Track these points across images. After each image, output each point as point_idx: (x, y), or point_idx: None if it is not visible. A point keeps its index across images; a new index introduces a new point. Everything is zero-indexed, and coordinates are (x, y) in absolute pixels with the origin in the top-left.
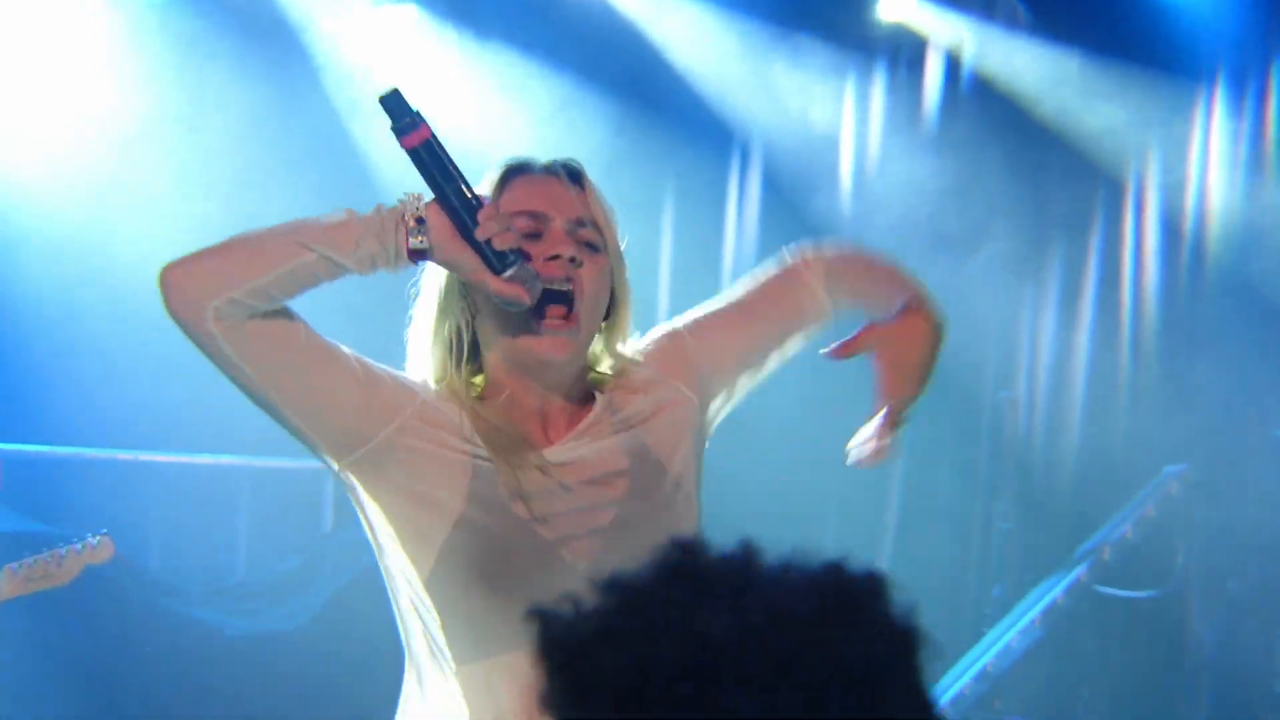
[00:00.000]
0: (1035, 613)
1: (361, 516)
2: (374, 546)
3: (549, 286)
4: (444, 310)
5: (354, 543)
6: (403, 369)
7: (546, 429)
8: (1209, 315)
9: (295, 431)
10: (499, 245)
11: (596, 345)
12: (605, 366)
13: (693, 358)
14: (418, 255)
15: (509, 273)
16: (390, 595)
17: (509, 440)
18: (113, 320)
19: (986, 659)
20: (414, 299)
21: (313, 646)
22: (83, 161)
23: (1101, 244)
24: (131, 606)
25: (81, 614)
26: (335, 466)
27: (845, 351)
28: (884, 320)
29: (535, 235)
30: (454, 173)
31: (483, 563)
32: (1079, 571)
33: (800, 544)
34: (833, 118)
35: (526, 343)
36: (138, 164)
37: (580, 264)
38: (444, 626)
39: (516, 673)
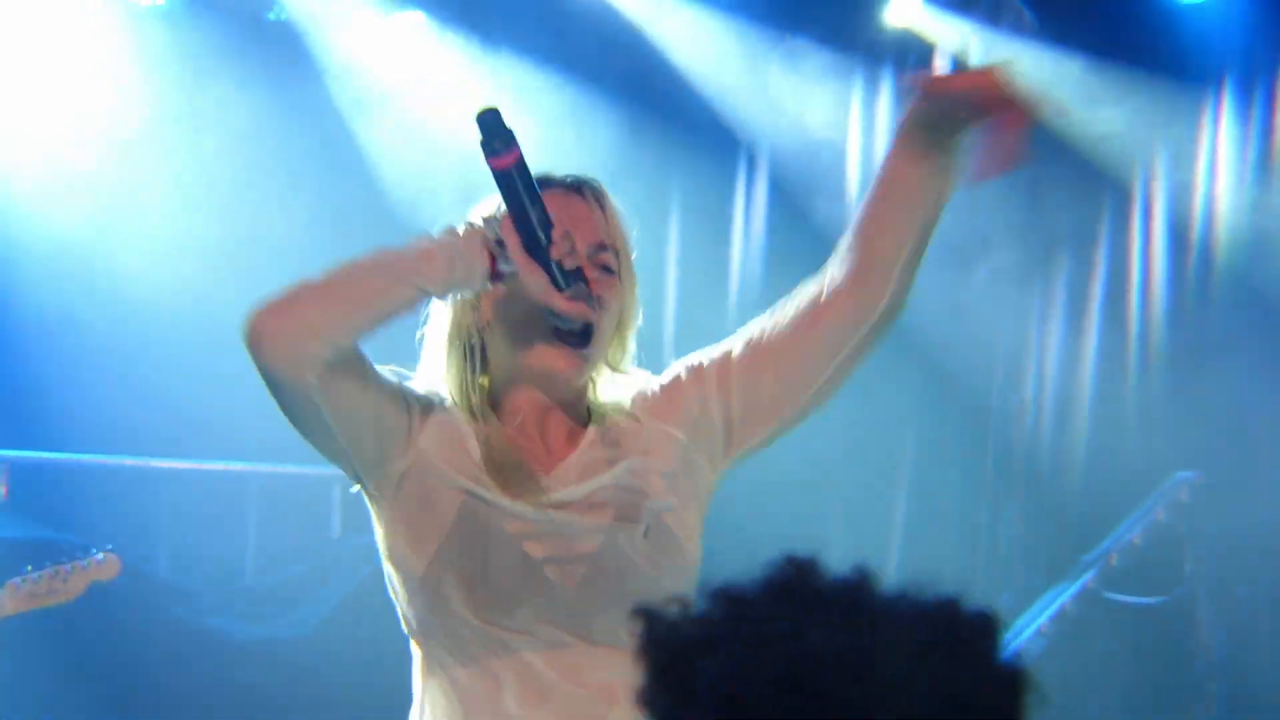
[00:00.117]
0: (1044, 619)
1: (375, 524)
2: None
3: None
4: (458, 318)
5: (363, 548)
6: (394, 364)
7: (545, 439)
8: (1217, 321)
9: (335, 454)
10: (567, 265)
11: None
12: (605, 384)
13: (707, 392)
14: (498, 277)
15: (570, 291)
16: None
17: (515, 467)
18: (121, 326)
19: None
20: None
21: (322, 652)
22: (86, 168)
23: (1108, 250)
24: (140, 612)
25: (90, 620)
26: (365, 483)
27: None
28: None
29: None
30: (539, 194)
31: (469, 579)
32: (1087, 578)
33: (859, 558)
34: (839, 124)
35: (541, 357)
36: (142, 170)
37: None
38: (431, 638)
39: (505, 685)
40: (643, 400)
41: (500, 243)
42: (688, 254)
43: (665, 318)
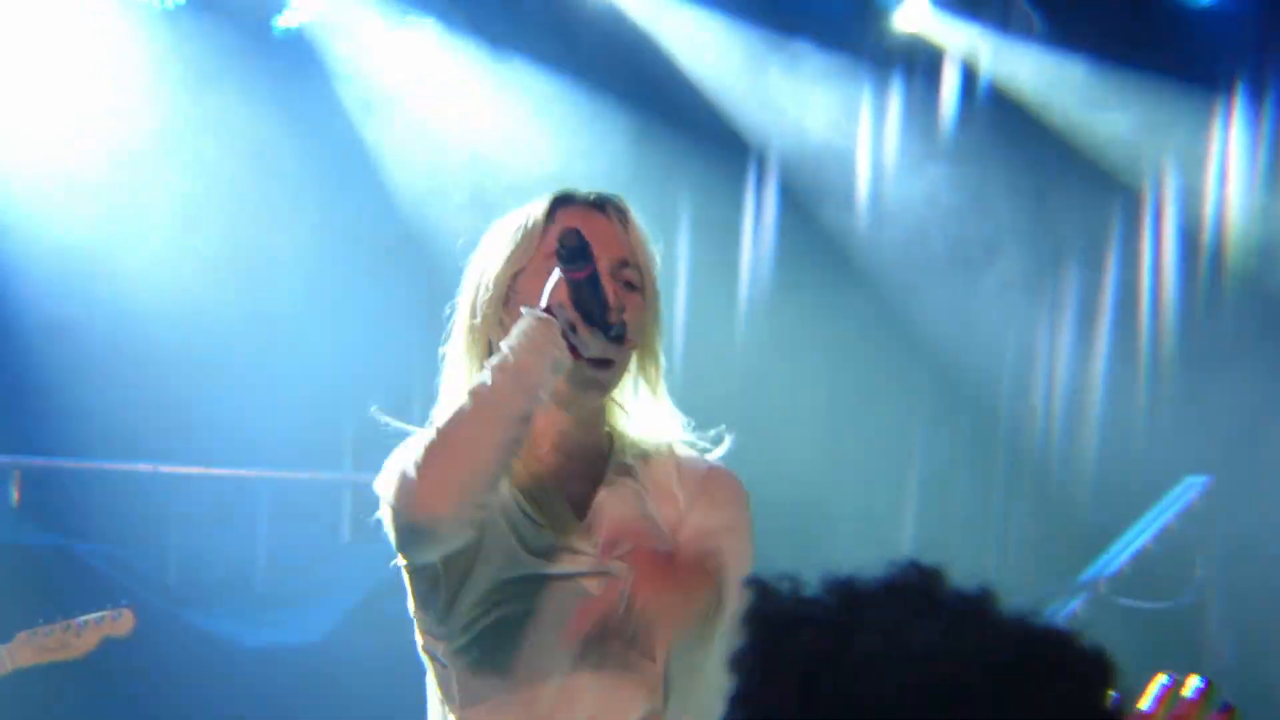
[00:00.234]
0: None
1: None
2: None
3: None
4: (481, 334)
5: (373, 554)
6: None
7: (568, 460)
8: (1228, 325)
9: (430, 581)
10: (614, 320)
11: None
12: (636, 413)
13: (696, 495)
14: (576, 354)
15: (613, 333)
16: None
17: (548, 501)
18: (133, 331)
19: None
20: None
21: (332, 658)
22: (93, 174)
23: (1119, 255)
24: (149, 617)
25: None
26: (442, 590)
27: None
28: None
29: None
30: (600, 284)
31: (495, 610)
32: (1099, 582)
33: (815, 549)
34: (848, 129)
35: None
36: (150, 178)
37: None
38: (448, 667)
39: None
40: (691, 477)
41: (572, 326)
42: (697, 260)
43: (674, 324)
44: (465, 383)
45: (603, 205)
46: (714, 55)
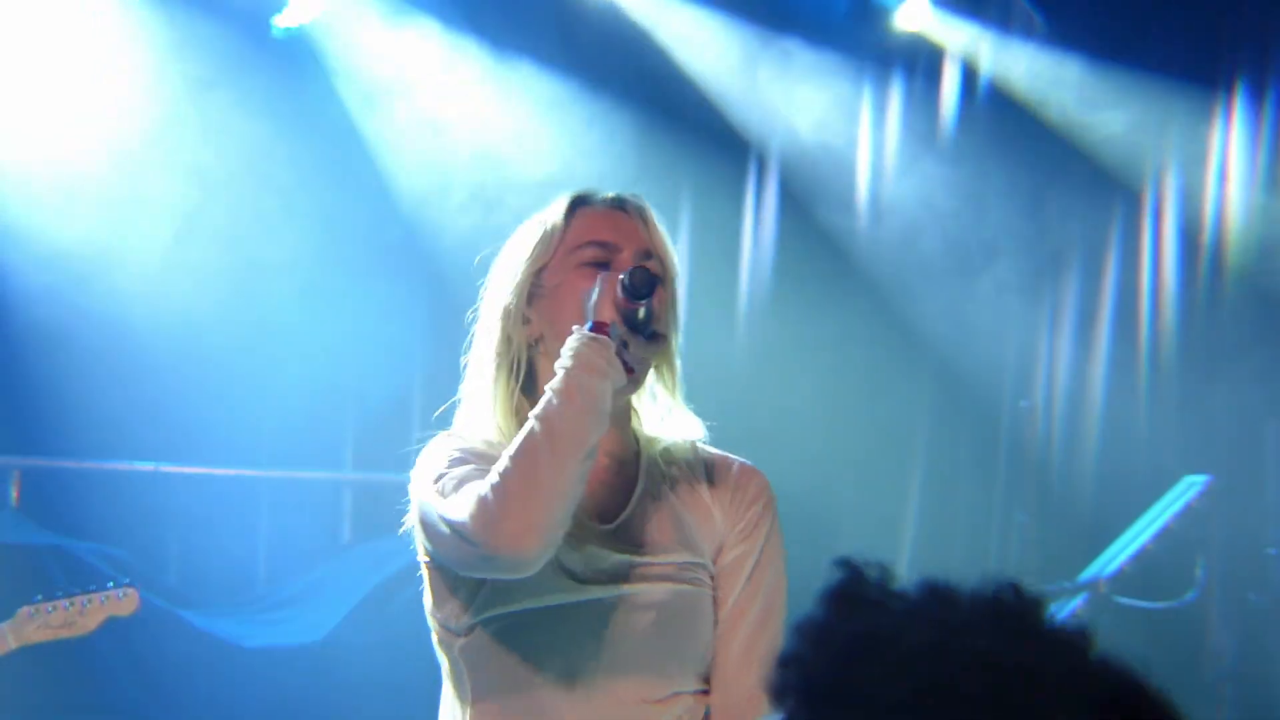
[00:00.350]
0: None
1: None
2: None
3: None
4: (507, 333)
5: (373, 554)
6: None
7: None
8: (1228, 326)
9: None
10: (662, 331)
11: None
12: (655, 417)
13: (723, 495)
14: (630, 370)
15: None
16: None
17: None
18: (132, 331)
19: None
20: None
21: (333, 658)
22: (93, 173)
23: (1119, 254)
24: (150, 618)
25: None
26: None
27: None
28: None
29: (603, 264)
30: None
31: (516, 615)
32: (1099, 582)
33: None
34: (849, 128)
35: None
36: (150, 178)
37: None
38: (467, 666)
39: (533, 715)
40: (720, 477)
41: (624, 343)
42: (697, 260)
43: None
44: (493, 389)
45: (623, 204)
46: (715, 55)
